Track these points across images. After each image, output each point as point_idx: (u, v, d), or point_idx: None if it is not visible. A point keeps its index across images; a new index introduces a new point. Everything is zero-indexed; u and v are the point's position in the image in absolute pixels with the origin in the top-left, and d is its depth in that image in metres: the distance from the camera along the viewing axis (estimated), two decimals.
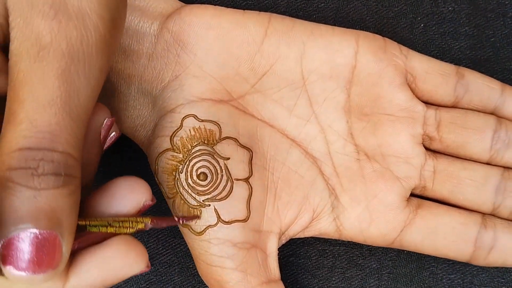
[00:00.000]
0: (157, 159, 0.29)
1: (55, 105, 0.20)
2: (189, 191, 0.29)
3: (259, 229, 0.30)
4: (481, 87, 0.32)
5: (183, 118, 0.29)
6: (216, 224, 0.29)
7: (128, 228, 0.23)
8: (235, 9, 0.31)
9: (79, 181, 0.21)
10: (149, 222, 0.24)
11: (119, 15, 0.22)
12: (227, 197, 0.29)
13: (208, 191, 0.29)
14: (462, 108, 0.32)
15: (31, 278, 0.20)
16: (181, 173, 0.29)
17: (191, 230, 0.29)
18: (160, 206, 0.34)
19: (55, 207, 0.20)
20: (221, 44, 0.30)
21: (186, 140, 0.29)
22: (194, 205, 0.29)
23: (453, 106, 0.32)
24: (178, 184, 0.29)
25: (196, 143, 0.29)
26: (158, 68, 0.30)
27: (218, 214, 0.29)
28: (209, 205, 0.29)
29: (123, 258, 0.22)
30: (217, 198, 0.29)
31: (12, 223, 0.20)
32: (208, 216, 0.29)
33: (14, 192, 0.20)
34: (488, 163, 0.32)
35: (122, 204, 0.24)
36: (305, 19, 0.32)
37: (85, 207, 0.23)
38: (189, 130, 0.29)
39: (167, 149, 0.29)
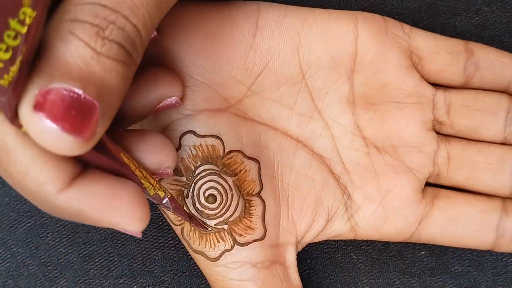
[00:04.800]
0: None
1: None
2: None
3: (276, 243, 0.28)
4: (492, 63, 0.30)
5: (181, 136, 0.26)
6: (232, 247, 0.26)
7: (151, 186, 0.22)
8: (217, 2, 0.27)
9: (134, 70, 0.19)
10: (168, 197, 0.23)
11: None
12: (240, 218, 0.27)
13: (219, 214, 0.26)
14: (473, 88, 0.30)
15: (58, 136, 0.17)
16: (187, 197, 0.26)
17: (205, 256, 0.26)
18: (159, 212, 0.32)
19: (106, 80, 0.18)
20: (209, 46, 0.27)
21: (188, 160, 0.26)
22: (206, 231, 0.26)
23: (463, 86, 0.30)
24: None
25: (199, 163, 0.26)
26: None
27: (233, 237, 0.26)
28: (223, 228, 0.26)
29: (128, 207, 0.20)
30: (230, 220, 0.27)
31: (59, 76, 0.17)
32: (222, 240, 0.26)
33: (71, 46, 0.18)
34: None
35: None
36: (298, 4, 0.29)
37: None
38: (190, 149, 0.26)
39: None
